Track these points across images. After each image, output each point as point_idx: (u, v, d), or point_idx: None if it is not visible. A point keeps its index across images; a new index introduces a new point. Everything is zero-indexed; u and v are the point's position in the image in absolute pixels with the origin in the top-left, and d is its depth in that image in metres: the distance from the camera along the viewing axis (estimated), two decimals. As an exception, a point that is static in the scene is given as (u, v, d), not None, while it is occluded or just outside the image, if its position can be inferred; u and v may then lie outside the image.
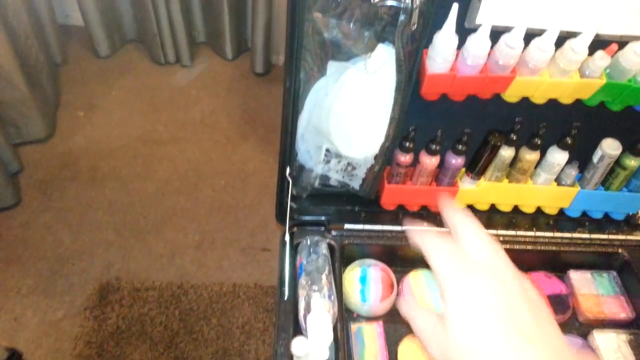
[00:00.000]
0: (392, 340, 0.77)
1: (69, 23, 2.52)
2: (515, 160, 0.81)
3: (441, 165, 0.81)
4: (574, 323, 0.83)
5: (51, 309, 1.59)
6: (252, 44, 2.30)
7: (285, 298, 0.76)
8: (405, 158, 0.79)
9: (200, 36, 2.47)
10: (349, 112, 0.75)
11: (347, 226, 0.85)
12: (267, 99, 2.31)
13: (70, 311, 1.59)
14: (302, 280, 0.76)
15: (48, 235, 1.78)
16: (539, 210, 0.89)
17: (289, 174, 0.81)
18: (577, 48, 0.66)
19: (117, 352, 1.50)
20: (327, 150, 0.81)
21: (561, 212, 0.89)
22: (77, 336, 1.53)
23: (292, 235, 0.83)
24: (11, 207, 1.82)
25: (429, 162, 0.79)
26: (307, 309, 0.72)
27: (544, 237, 0.86)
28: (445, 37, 0.65)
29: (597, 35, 0.67)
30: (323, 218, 0.85)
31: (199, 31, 2.45)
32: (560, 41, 0.67)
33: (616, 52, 0.69)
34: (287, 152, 0.78)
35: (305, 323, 0.70)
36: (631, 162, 0.81)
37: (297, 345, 0.64)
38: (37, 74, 1.97)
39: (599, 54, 0.69)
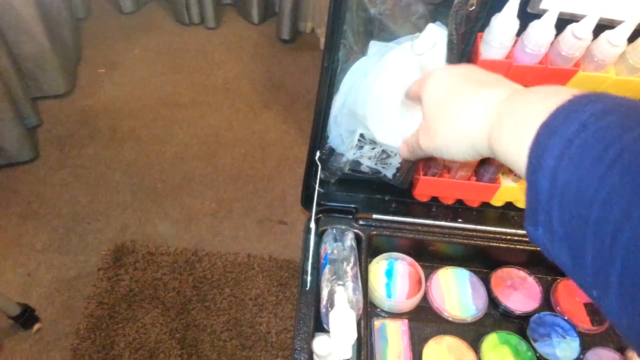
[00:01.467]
0: (417, 340, 0.74)
1: (93, -25, 2.45)
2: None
3: (484, 159, 0.75)
4: (612, 334, 0.78)
5: (65, 267, 1.59)
6: (279, 9, 2.21)
7: (307, 288, 0.72)
8: (445, 149, 0.73)
9: (227, -3, 2.39)
10: (390, 96, 0.69)
11: (375, 216, 0.80)
12: (292, 67, 2.24)
13: (84, 270, 1.59)
14: (326, 271, 0.72)
15: (64, 193, 1.76)
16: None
17: (319, 157, 0.76)
18: (653, 43, 0.59)
19: (128, 314, 1.50)
20: (362, 135, 0.75)
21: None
22: (89, 296, 1.53)
23: (317, 221, 0.79)
24: (28, 161, 1.81)
25: (471, 155, 0.73)
26: (330, 302, 0.68)
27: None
28: (505, 21, 0.59)
29: (674, 30, 0.60)
30: (351, 206, 0.80)
31: (226, -9, 2.37)
32: (633, 35, 0.60)
33: (693, 50, 0.62)
34: (318, 135, 0.73)
35: (328, 317, 0.67)
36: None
37: (319, 344, 0.60)
38: (58, 28, 1.92)
39: (673, 51, 0.62)
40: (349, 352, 0.63)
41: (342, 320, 0.64)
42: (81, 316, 1.49)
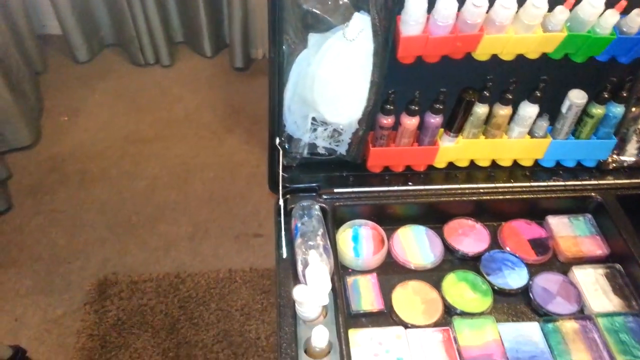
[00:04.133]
0: (386, 289, 0.82)
1: (47, 32, 2.53)
2: (489, 116, 0.87)
3: (421, 125, 0.86)
4: (555, 262, 0.89)
5: (51, 307, 1.62)
6: (230, 40, 2.34)
7: (284, 257, 0.81)
8: (387, 120, 0.84)
9: (178, 36, 2.50)
10: (332, 79, 0.80)
11: (337, 190, 0.89)
12: (248, 92, 2.35)
13: (71, 307, 1.62)
14: (298, 240, 0.80)
15: (42, 238, 1.80)
16: (515, 163, 0.95)
17: (279, 143, 0.86)
18: (538, 3, 0.72)
19: (120, 342, 1.53)
20: (313, 118, 0.85)
21: (536, 163, 0.96)
22: (79, 330, 1.56)
23: (285, 202, 0.88)
24: (3, 212, 1.84)
25: (410, 122, 0.84)
26: (305, 265, 0.77)
27: (522, 187, 0.93)
28: (416, 0, 0.70)
29: (555, -9, 0.73)
30: (314, 185, 0.90)
31: (176, 31, 2.47)
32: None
33: (574, 5, 0.75)
34: (275, 122, 0.83)
35: (305, 277, 0.75)
36: (597, 111, 0.87)
37: (299, 291, 0.68)
38: (19, 83, 1.99)
39: (559, 8, 0.74)
40: (325, 299, 0.71)
41: (317, 273, 0.72)
42: (73, 350, 1.52)
